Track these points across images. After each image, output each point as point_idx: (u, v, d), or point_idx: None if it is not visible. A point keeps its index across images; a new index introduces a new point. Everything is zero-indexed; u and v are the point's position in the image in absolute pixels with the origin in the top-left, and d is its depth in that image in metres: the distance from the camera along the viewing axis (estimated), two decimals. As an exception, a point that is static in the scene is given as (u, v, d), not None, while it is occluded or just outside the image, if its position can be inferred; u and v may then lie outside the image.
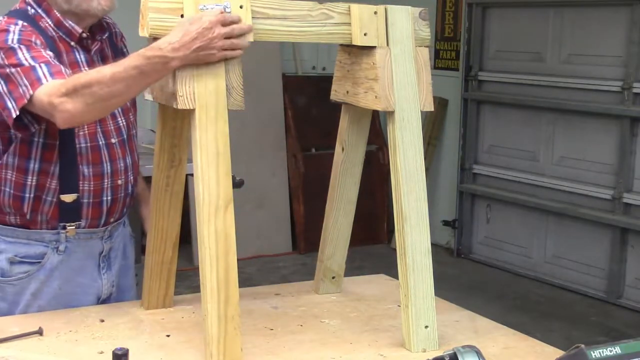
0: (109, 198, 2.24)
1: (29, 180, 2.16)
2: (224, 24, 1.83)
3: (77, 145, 2.17)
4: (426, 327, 2.00)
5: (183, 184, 2.15)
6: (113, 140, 2.24)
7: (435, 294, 2.03)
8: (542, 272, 6.05)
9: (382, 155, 6.79)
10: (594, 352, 1.58)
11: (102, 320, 2.11)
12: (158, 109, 2.05)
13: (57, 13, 2.16)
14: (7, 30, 2.07)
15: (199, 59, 1.83)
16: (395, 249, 2.04)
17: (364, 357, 1.97)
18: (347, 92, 2.12)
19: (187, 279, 4.93)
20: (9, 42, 2.04)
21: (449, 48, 6.71)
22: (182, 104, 1.84)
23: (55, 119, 1.97)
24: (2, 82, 2.03)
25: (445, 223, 6.64)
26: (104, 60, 2.22)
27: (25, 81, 1.99)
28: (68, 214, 2.20)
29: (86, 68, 2.16)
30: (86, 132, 2.18)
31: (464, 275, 6.20)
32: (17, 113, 2.01)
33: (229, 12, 1.86)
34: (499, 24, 6.32)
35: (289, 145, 6.68)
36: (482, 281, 6.08)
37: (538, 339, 2.12)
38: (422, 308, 2.00)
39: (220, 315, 1.83)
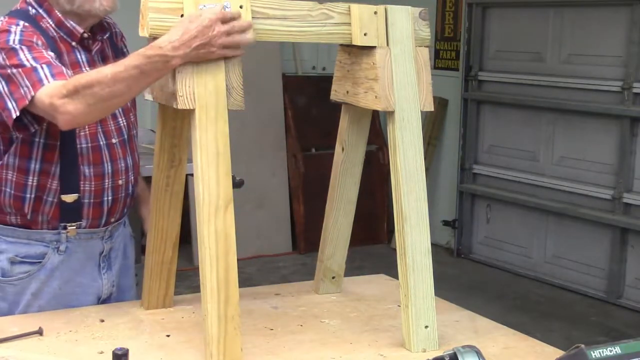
0: (110, 198, 2.24)
1: (30, 180, 2.16)
2: (224, 21, 1.83)
3: (78, 146, 2.17)
4: (426, 327, 2.00)
5: (183, 184, 2.15)
6: (114, 141, 2.24)
7: (435, 294, 2.03)
8: (542, 272, 6.05)
9: (382, 155, 6.79)
10: (594, 352, 1.58)
11: (102, 320, 2.11)
12: (158, 109, 2.05)
13: (58, 13, 2.16)
14: (8, 31, 2.06)
15: (199, 57, 1.83)
16: (395, 249, 2.04)
17: (364, 357, 1.97)
18: (347, 92, 2.12)
19: (187, 279, 4.93)
20: (11, 43, 2.04)
21: (449, 48, 6.72)
22: (182, 104, 1.83)
23: (57, 120, 1.97)
24: (3, 83, 2.03)
25: (445, 223, 6.64)
26: (104, 60, 2.22)
27: (27, 82, 1.99)
28: (69, 214, 2.20)
29: (87, 68, 2.16)
30: (87, 132, 2.18)
31: (464, 275, 6.20)
32: (17, 114, 2.01)
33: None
34: (499, 24, 6.32)
35: (289, 145, 6.68)
36: (482, 281, 6.08)
37: (538, 339, 2.12)
38: (422, 308, 2.00)
39: (220, 315, 1.83)
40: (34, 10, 2.17)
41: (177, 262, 2.23)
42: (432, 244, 2.07)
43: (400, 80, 2.01)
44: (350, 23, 2.01)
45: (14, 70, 2.01)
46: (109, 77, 1.89)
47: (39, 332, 1.99)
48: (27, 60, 2.01)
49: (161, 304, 2.23)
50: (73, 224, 2.21)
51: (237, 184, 3.42)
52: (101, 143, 2.21)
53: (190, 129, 1.90)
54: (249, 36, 1.87)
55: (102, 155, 2.21)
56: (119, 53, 2.30)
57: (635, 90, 5.38)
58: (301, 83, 6.85)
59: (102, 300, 2.31)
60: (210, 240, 1.83)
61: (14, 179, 2.17)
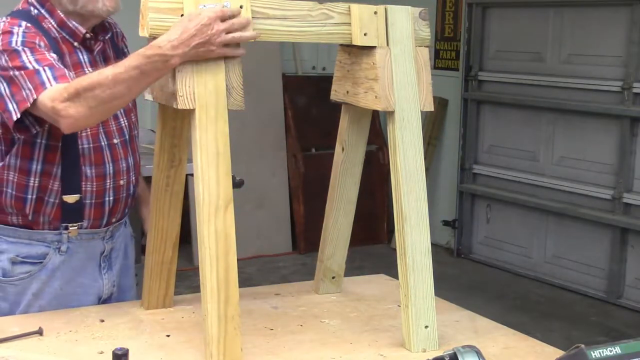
0: (111, 198, 2.24)
1: (32, 181, 2.16)
2: (223, 19, 1.83)
3: (80, 146, 2.17)
4: (426, 327, 2.00)
5: (183, 184, 2.15)
6: (115, 141, 2.24)
7: (435, 294, 2.03)
8: (542, 272, 6.05)
9: (382, 155, 6.79)
10: (594, 352, 1.58)
11: (102, 320, 2.11)
12: (158, 109, 2.05)
13: (60, 13, 2.16)
14: (10, 32, 2.06)
15: (199, 56, 1.83)
16: (395, 249, 2.04)
17: (364, 357, 1.97)
18: (347, 92, 2.12)
19: (187, 279, 4.93)
20: (13, 45, 2.04)
21: (449, 48, 6.72)
22: (182, 104, 1.84)
23: (59, 124, 1.97)
24: (5, 84, 2.03)
25: (445, 223, 6.64)
26: (106, 60, 2.22)
27: (29, 85, 1.99)
28: (70, 214, 2.20)
29: (89, 69, 2.16)
30: (88, 133, 2.18)
31: (464, 275, 6.20)
32: (18, 116, 2.01)
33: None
34: (499, 24, 6.32)
35: (289, 145, 6.68)
36: (482, 281, 6.08)
37: (538, 339, 2.12)
38: (422, 308, 2.00)
39: (220, 315, 1.83)
40: (35, 11, 2.16)
41: (177, 262, 2.23)
42: (432, 244, 2.07)
43: (400, 80, 2.01)
44: (350, 23, 2.01)
45: (16, 73, 2.01)
46: (109, 79, 1.89)
47: (39, 332, 1.99)
48: (30, 62, 2.01)
49: (161, 304, 2.23)
50: (74, 224, 2.21)
51: (237, 184, 3.42)
52: (103, 144, 2.21)
53: (190, 129, 1.90)
54: (248, 33, 1.87)
55: (103, 156, 2.21)
56: (120, 53, 2.30)
57: (635, 90, 5.38)
58: (301, 83, 6.85)
59: (102, 300, 2.31)
60: (210, 240, 1.83)
61: (15, 180, 2.17)
